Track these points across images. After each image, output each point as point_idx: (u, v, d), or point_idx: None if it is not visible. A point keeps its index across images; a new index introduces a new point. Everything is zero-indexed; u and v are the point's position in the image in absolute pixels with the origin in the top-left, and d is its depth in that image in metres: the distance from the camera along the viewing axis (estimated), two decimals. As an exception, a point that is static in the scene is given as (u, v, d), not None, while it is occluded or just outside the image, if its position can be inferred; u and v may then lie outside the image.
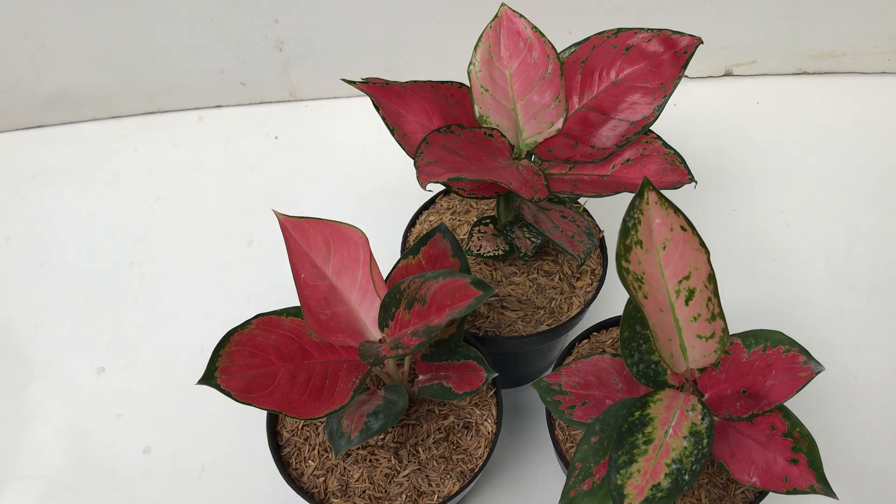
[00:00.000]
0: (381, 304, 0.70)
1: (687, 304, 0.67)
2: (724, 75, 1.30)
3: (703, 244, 0.65)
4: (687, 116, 1.25)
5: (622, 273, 0.65)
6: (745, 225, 1.14)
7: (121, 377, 1.04)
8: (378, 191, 1.19)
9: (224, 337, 0.66)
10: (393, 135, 0.73)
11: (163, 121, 1.31)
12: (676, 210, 0.65)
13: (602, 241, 0.92)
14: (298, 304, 0.70)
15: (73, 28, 1.18)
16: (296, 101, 1.31)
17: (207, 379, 0.64)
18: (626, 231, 0.65)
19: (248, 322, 0.68)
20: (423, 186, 0.67)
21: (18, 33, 1.18)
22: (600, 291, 0.89)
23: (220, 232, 1.17)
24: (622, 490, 0.63)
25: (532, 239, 0.85)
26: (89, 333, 1.08)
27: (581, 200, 0.94)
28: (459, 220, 0.95)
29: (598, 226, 0.94)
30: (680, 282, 0.67)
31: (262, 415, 0.96)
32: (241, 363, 0.66)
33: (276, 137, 1.27)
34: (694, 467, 0.63)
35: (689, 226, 0.65)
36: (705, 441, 0.65)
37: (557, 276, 0.89)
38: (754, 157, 1.21)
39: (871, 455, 0.92)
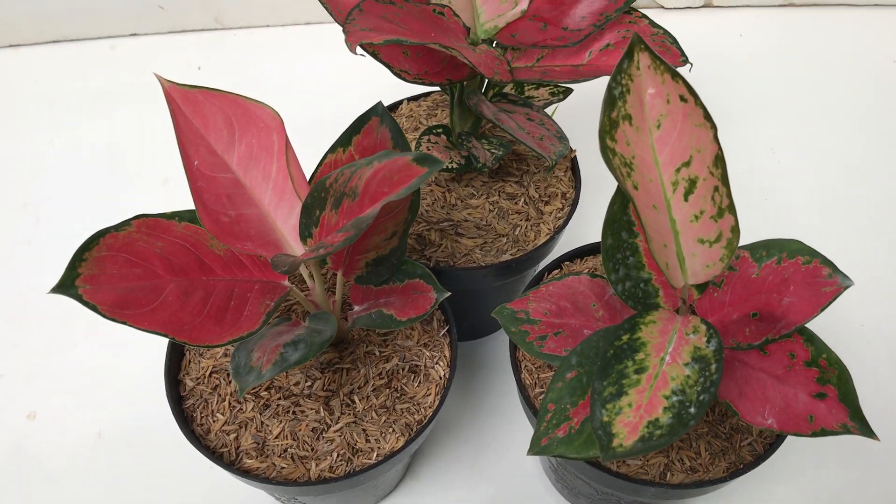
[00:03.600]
0: (302, 208, 0.55)
1: (686, 198, 0.53)
2: (703, 6, 1.17)
3: (708, 117, 0.51)
4: (663, 49, 1.12)
5: (607, 155, 0.51)
6: (733, 162, 0.99)
7: (4, 331, 0.87)
8: (313, 125, 1.03)
9: (91, 238, 0.50)
10: (318, -5, 0.58)
11: (69, 50, 1.14)
12: (675, 75, 0.51)
13: (574, 161, 0.78)
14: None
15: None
16: (222, 30, 1.15)
17: (65, 287, 0.48)
18: (611, 101, 0.51)
19: (125, 223, 0.53)
20: (352, 50, 0.53)
21: None
22: (572, 218, 0.75)
23: (131, 171, 1.01)
24: (610, 428, 0.49)
25: (492, 150, 0.71)
26: (-32, 282, 0.91)
27: (549, 110, 0.80)
28: (422, 128, 0.80)
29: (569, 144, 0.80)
30: (678, 170, 0.53)
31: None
32: (113, 272, 0.51)
33: (199, 68, 1.11)
34: (701, 397, 0.49)
35: (691, 95, 0.51)
36: (713, 367, 0.51)
37: (522, 200, 0.75)
38: (739, 92, 1.08)
39: (884, 409, 0.80)
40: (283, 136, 0.55)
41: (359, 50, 0.57)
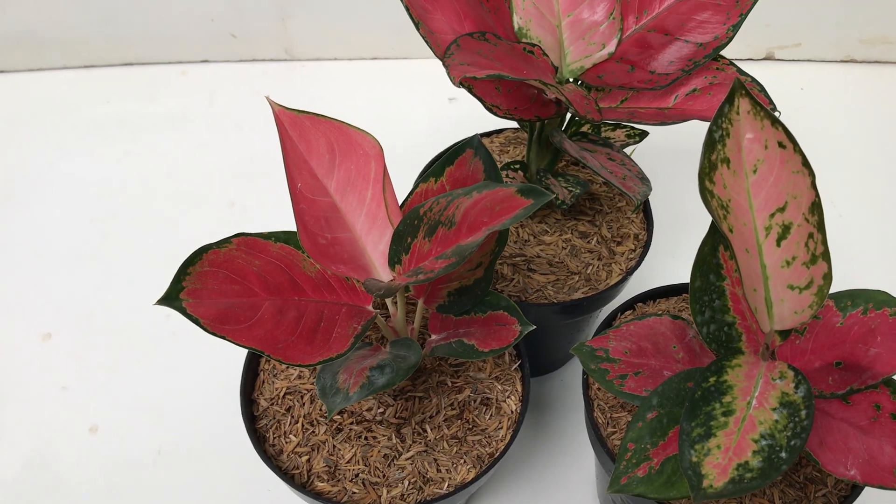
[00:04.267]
0: (393, 234, 0.56)
1: (779, 244, 0.53)
2: (764, 58, 1.18)
3: (806, 164, 0.51)
4: (724, 99, 1.13)
5: (706, 196, 0.52)
6: (791, 214, 1.01)
7: (69, 345, 0.88)
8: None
9: (195, 253, 0.52)
10: (418, 29, 0.60)
11: (141, 73, 1.16)
12: (775, 121, 0.51)
13: (647, 203, 0.79)
14: (289, 229, 0.56)
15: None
16: (291, 61, 1.18)
17: (170, 300, 0.49)
18: (711, 144, 0.51)
19: (226, 240, 0.54)
20: (455, 83, 0.54)
21: (-18, -43, 1.05)
22: (644, 259, 0.75)
23: (198, 192, 1.03)
24: (699, 469, 0.49)
25: (570, 188, 0.72)
26: (36, 294, 0.92)
27: (628, 150, 0.81)
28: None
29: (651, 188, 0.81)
30: (772, 215, 0.53)
31: (231, 389, 0.80)
32: (214, 287, 0.52)
33: (267, 97, 1.13)
34: (792, 443, 0.49)
35: (790, 141, 0.51)
36: (803, 413, 0.51)
37: (595, 239, 0.76)
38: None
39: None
40: (381, 163, 0.57)
41: (459, 85, 0.58)
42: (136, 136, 1.09)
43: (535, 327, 0.59)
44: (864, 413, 0.56)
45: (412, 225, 0.56)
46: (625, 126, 0.78)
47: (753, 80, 0.65)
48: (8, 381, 0.85)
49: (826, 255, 0.53)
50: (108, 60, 1.16)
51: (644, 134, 0.78)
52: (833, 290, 0.94)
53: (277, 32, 1.14)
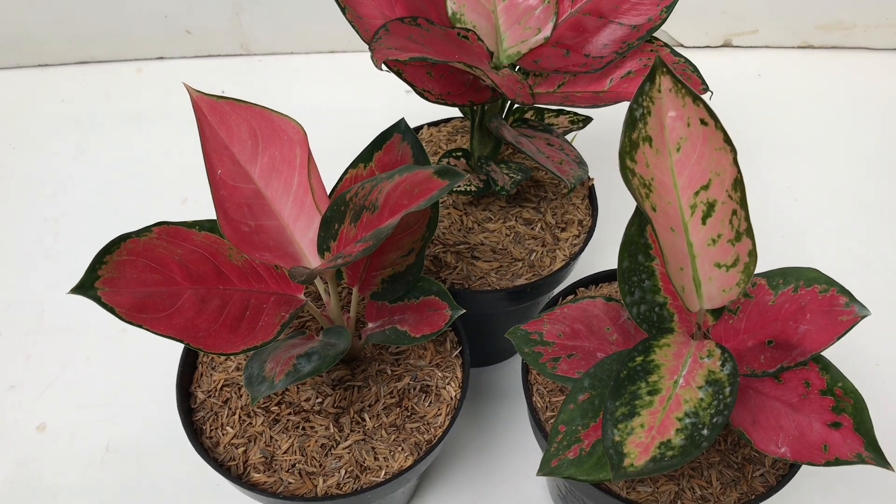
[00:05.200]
0: (321, 221, 0.56)
1: (704, 222, 0.53)
2: (722, 45, 1.18)
3: (728, 140, 0.51)
4: (682, 86, 1.13)
5: (626, 175, 0.51)
6: (749, 200, 1.01)
7: (19, 343, 0.88)
8: (337, 153, 1.04)
9: (112, 242, 0.51)
10: (344, 13, 0.60)
11: (97, 70, 1.16)
12: (696, 98, 0.51)
13: (592, 189, 0.79)
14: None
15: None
16: (248, 56, 1.17)
17: (84, 289, 0.49)
18: (632, 123, 0.51)
19: (146, 229, 0.53)
20: (378, 66, 0.54)
21: (-69, -45, 1.04)
22: (588, 245, 0.75)
23: (152, 190, 1.02)
24: (621, 448, 0.48)
25: (511, 175, 0.72)
26: (-15, 293, 0.92)
27: (568, 138, 0.80)
28: (441, 153, 0.81)
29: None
30: (696, 193, 0.53)
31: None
32: (133, 276, 0.51)
33: (223, 92, 1.13)
34: (714, 420, 0.49)
35: (711, 118, 0.51)
36: (728, 390, 0.50)
37: (539, 226, 0.75)
38: (757, 131, 1.09)
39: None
40: (305, 149, 0.56)
41: (383, 68, 0.58)
42: (91, 134, 1.08)
43: (464, 311, 0.59)
44: (794, 391, 0.56)
45: (339, 211, 0.55)
46: (568, 112, 0.78)
47: (687, 61, 0.65)
48: (-44, 382, 0.85)
49: (750, 232, 0.53)
50: (62, 59, 1.16)
51: (588, 120, 0.78)
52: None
53: (232, 28, 1.13)
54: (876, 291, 0.91)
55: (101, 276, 0.50)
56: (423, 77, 0.63)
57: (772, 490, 0.60)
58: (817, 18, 1.15)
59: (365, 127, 1.04)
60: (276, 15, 1.12)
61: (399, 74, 0.61)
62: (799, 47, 1.18)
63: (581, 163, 0.68)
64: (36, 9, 1.10)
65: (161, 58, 1.17)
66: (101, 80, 1.15)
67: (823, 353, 0.56)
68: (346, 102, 1.11)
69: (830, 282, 0.56)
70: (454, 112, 1.01)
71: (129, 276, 0.51)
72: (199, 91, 0.54)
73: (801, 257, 0.94)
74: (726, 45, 1.18)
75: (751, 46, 1.18)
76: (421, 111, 1.07)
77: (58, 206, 1.00)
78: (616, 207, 0.90)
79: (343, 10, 0.60)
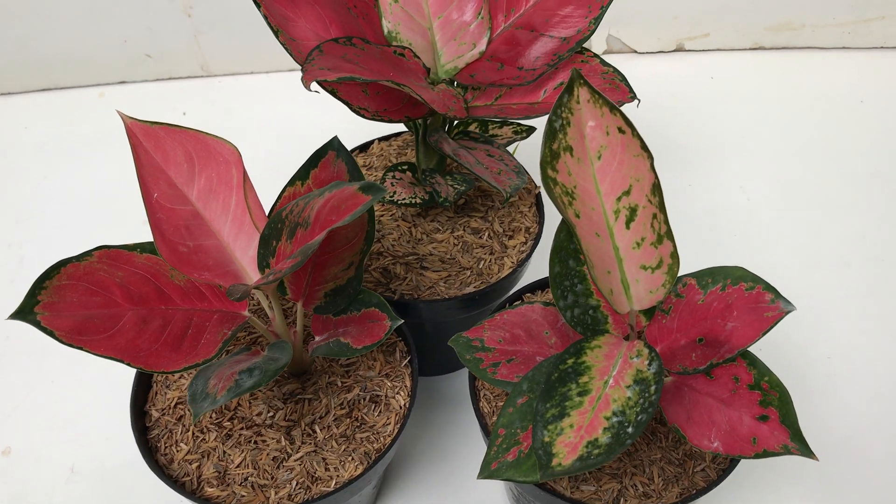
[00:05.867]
0: (260, 239, 0.57)
1: (628, 226, 0.55)
2: (675, 50, 1.21)
3: (645, 147, 0.53)
4: (637, 91, 1.15)
5: (548, 184, 0.53)
6: (702, 200, 1.03)
7: (-17, 369, 0.89)
8: (288, 164, 1.06)
9: (52, 267, 0.52)
10: (277, 37, 0.61)
11: (60, 97, 1.17)
12: (613, 108, 0.53)
13: (538, 197, 0.81)
14: (159, 238, 0.57)
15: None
16: (208, 77, 1.19)
17: (24, 314, 0.50)
18: (552, 133, 0.53)
19: (87, 253, 0.55)
20: (307, 87, 0.55)
21: None
22: (535, 251, 0.76)
23: (114, 213, 1.03)
24: (550, 448, 0.50)
25: (455, 186, 0.73)
26: (-50, 321, 0.93)
27: (511, 149, 0.82)
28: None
29: (533, 181, 0.82)
30: (619, 198, 0.55)
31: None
32: (73, 300, 0.53)
33: (185, 113, 1.14)
34: (639, 418, 0.50)
35: (628, 126, 0.53)
36: (653, 388, 0.52)
37: (487, 234, 0.77)
38: (709, 133, 1.11)
39: (851, 441, 0.80)
40: (241, 169, 0.58)
41: (316, 87, 0.60)
42: (54, 160, 1.10)
43: (402, 321, 0.60)
44: (725, 386, 0.57)
45: (276, 228, 0.57)
46: (512, 123, 0.80)
47: (615, 70, 0.67)
48: (-78, 410, 0.86)
49: (670, 235, 0.54)
50: (25, 87, 1.17)
51: (531, 129, 0.79)
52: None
53: (192, 50, 1.15)
54: (830, 286, 0.93)
55: (40, 301, 0.51)
56: (358, 95, 0.64)
57: (712, 484, 0.61)
58: (766, 20, 1.17)
59: (320, 140, 1.06)
60: (233, 36, 1.14)
61: (333, 93, 0.63)
62: (750, 49, 1.20)
63: (520, 172, 0.70)
64: (-3, 38, 1.11)
65: (123, 82, 1.18)
66: (63, 106, 1.17)
67: (753, 348, 0.57)
68: (306, 118, 1.13)
69: (756, 279, 0.58)
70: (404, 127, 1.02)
71: (69, 299, 0.52)
72: (132, 118, 0.55)
73: (754, 255, 0.96)
74: (679, 49, 1.20)
75: (703, 50, 1.20)
76: (377, 126, 1.09)
77: (22, 231, 1.01)
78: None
79: (276, 33, 0.61)
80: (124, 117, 0.55)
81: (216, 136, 0.57)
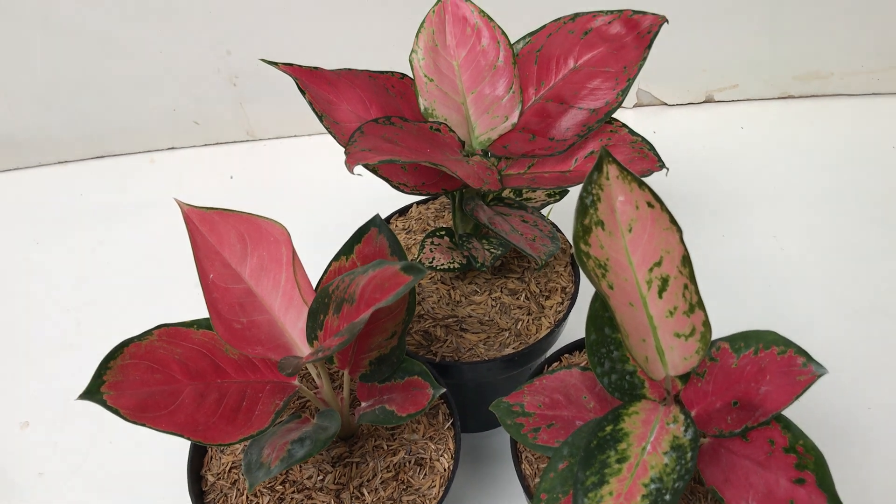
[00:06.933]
0: (308, 313, 0.61)
1: (661, 295, 0.57)
2: (704, 101, 1.23)
3: (674, 221, 0.55)
4: (667, 144, 1.17)
5: (581, 258, 0.56)
6: (735, 250, 1.05)
7: (46, 431, 0.93)
8: (339, 226, 1.10)
9: (116, 348, 0.56)
10: (321, 121, 0.65)
11: (112, 164, 1.23)
12: (641, 184, 0.55)
13: (573, 257, 0.83)
14: (213, 314, 0.60)
15: (15, 66, 1.12)
16: (253, 141, 1.24)
17: (91, 394, 0.54)
18: (583, 209, 0.56)
19: (148, 332, 0.58)
20: (351, 170, 0.59)
21: (-44, 71, 1.12)
22: (572, 311, 0.79)
23: (167, 276, 1.08)
24: (590, 516, 0.52)
25: (491, 250, 0.76)
26: (15, 384, 0.97)
27: (545, 211, 0.85)
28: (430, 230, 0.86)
29: (567, 240, 0.85)
30: (651, 269, 0.57)
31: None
32: (135, 378, 0.56)
33: (232, 177, 1.19)
34: (676, 485, 0.52)
35: (656, 201, 0.55)
36: (689, 455, 0.54)
37: (524, 295, 0.79)
38: (741, 182, 1.12)
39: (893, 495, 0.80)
40: (290, 248, 0.61)
41: (359, 168, 0.63)
42: (108, 226, 1.15)
43: (444, 390, 0.63)
44: (761, 449, 0.59)
45: (323, 303, 0.60)
46: (537, 188, 0.82)
47: (643, 139, 0.69)
48: (-12, 472, 0.90)
49: (701, 304, 0.57)
50: (79, 155, 1.23)
51: (564, 192, 0.82)
52: (776, 321, 0.97)
53: (237, 116, 1.20)
54: (867, 335, 0.94)
55: (105, 381, 0.55)
56: (397, 172, 0.68)
57: (752, 544, 0.62)
58: (795, 70, 1.19)
59: (366, 203, 1.10)
60: (276, 102, 1.19)
61: (375, 172, 0.66)
62: (779, 98, 1.22)
63: (554, 237, 0.72)
64: (54, 111, 1.18)
65: (172, 148, 1.24)
66: (116, 173, 1.22)
67: (787, 409, 0.59)
68: (348, 178, 1.17)
69: (788, 343, 0.59)
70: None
71: (132, 378, 0.56)
72: (189, 204, 0.59)
73: (788, 305, 0.97)
74: (708, 100, 1.23)
75: (732, 100, 1.22)
76: (418, 184, 1.13)
77: (78, 297, 1.06)
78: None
79: (320, 117, 0.65)
80: (181, 204, 0.59)
81: (267, 218, 0.61)
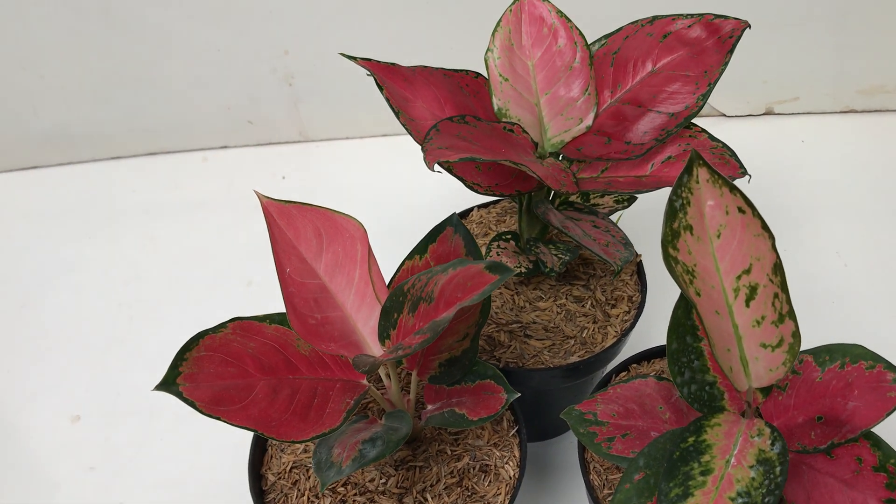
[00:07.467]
0: (381, 311, 0.60)
1: (748, 304, 0.56)
2: (764, 114, 1.21)
3: (766, 227, 0.54)
4: (726, 155, 1.15)
5: (670, 263, 0.54)
6: (798, 267, 1.02)
7: (97, 426, 0.92)
8: (392, 230, 1.09)
9: (192, 339, 0.55)
10: (398, 118, 0.64)
11: (165, 161, 1.23)
12: (733, 188, 0.54)
13: (640, 265, 0.81)
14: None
15: (72, 60, 1.13)
16: (306, 142, 1.23)
17: (167, 385, 0.53)
18: (672, 213, 0.54)
19: (222, 325, 0.57)
20: (430, 167, 0.58)
21: (16, 64, 1.12)
22: (639, 320, 0.77)
23: (218, 273, 1.07)
24: (677, 529, 0.50)
25: (560, 255, 0.75)
26: (66, 378, 0.97)
27: (615, 217, 0.83)
28: (491, 234, 0.85)
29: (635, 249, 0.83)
30: (739, 277, 0.55)
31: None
32: (211, 371, 0.55)
33: (284, 178, 1.19)
34: (766, 500, 0.50)
35: (748, 206, 0.54)
36: (778, 469, 0.52)
37: (590, 303, 0.78)
38: (802, 197, 1.10)
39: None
40: (366, 245, 0.60)
41: (436, 167, 0.62)
42: (160, 223, 1.15)
43: (519, 395, 0.61)
44: (847, 467, 0.57)
45: (398, 301, 0.59)
46: (613, 193, 0.81)
47: (724, 145, 0.68)
48: (38, 463, 0.89)
49: (792, 314, 0.55)
50: (133, 151, 1.23)
51: (632, 199, 0.81)
52: (841, 339, 0.94)
53: (291, 117, 1.20)
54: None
55: (182, 373, 0.54)
56: (472, 171, 0.67)
57: (831, 565, 0.60)
58: (858, 83, 1.16)
59: (419, 207, 1.09)
60: (330, 103, 1.19)
61: (450, 171, 0.65)
62: (841, 112, 1.20)
63: (627, 244, 0.71)
64: (109, 107, 1.18)
65: (225, 146, 1.24)
66: (168, 170, 1.22)
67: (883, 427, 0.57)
68: (400, 183, 1.17)
69: (877, 358, 0.57)
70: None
71: (207, 370, 0.55)
72: (268, 197, 0.58)
73: (853, 323, 0.95)
74: (768, 112, 1.21)
75: (792, 113, 1.20)
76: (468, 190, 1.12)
77: (131, 292, 1.06)
78: (665, 281, 0.92)
79: (397, 114, 0.64)
80: (261, 196, 0.58)
81: (343, 214, 0.60)
